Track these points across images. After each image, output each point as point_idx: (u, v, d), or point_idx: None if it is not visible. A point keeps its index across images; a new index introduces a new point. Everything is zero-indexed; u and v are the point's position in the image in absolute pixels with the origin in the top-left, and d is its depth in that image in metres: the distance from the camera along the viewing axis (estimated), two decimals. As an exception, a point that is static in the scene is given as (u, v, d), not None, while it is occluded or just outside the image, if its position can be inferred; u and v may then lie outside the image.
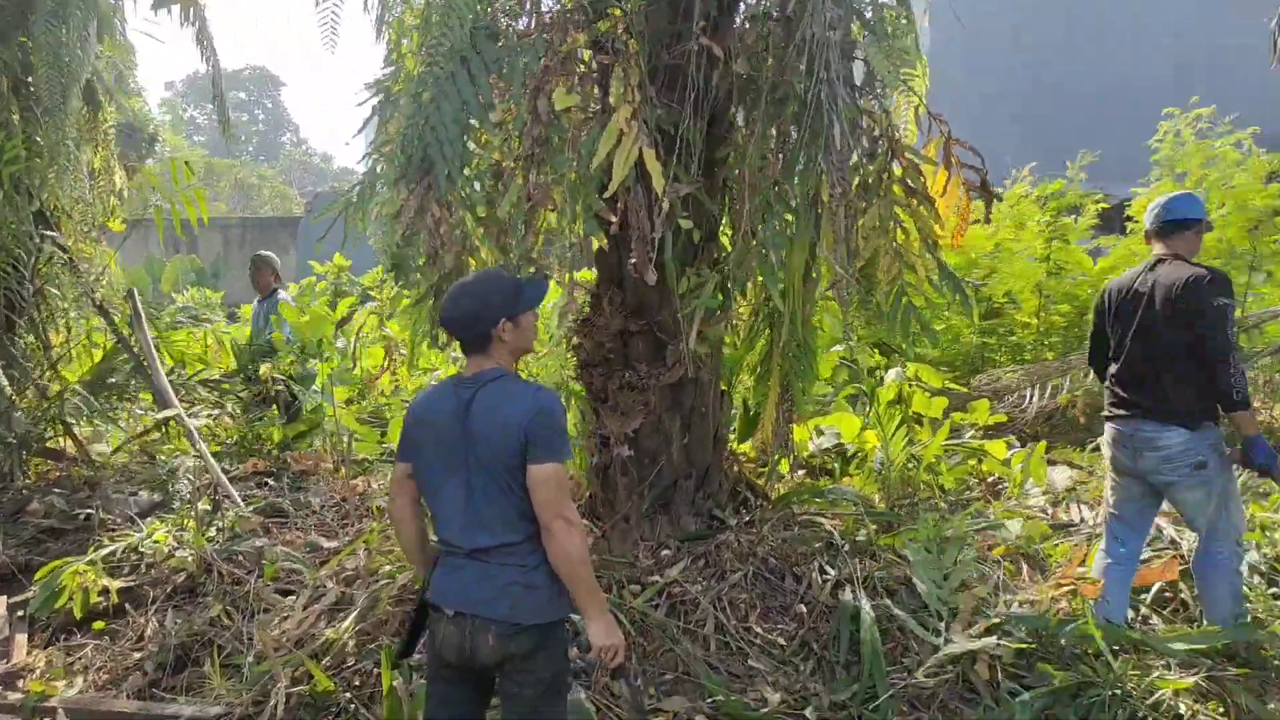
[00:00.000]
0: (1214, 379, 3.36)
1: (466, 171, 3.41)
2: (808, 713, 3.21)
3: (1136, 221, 7.68)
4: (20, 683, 3.50)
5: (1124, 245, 7.74)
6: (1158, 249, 3.66)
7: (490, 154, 3.48)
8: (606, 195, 3.09)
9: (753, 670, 3.48)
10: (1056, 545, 4.37)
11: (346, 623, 3.44)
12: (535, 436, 2.20)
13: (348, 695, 3.19)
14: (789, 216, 3.37)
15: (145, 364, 5.85)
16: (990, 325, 8.29)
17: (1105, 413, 3.76)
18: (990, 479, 5.41)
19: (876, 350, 6.22)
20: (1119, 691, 3.12)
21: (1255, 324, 7.38)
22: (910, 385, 5.80)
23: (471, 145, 3.15)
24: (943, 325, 8.57)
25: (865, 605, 3.57)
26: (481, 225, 3.44)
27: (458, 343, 2.39)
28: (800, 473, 5.53)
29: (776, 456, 4.52)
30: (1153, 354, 3.53)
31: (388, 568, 3.85)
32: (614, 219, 3.33)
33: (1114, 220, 8.62)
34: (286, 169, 52.54)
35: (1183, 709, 3.09)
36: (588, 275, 4.65)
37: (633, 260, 3.16)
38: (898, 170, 3.69)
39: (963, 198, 4.06)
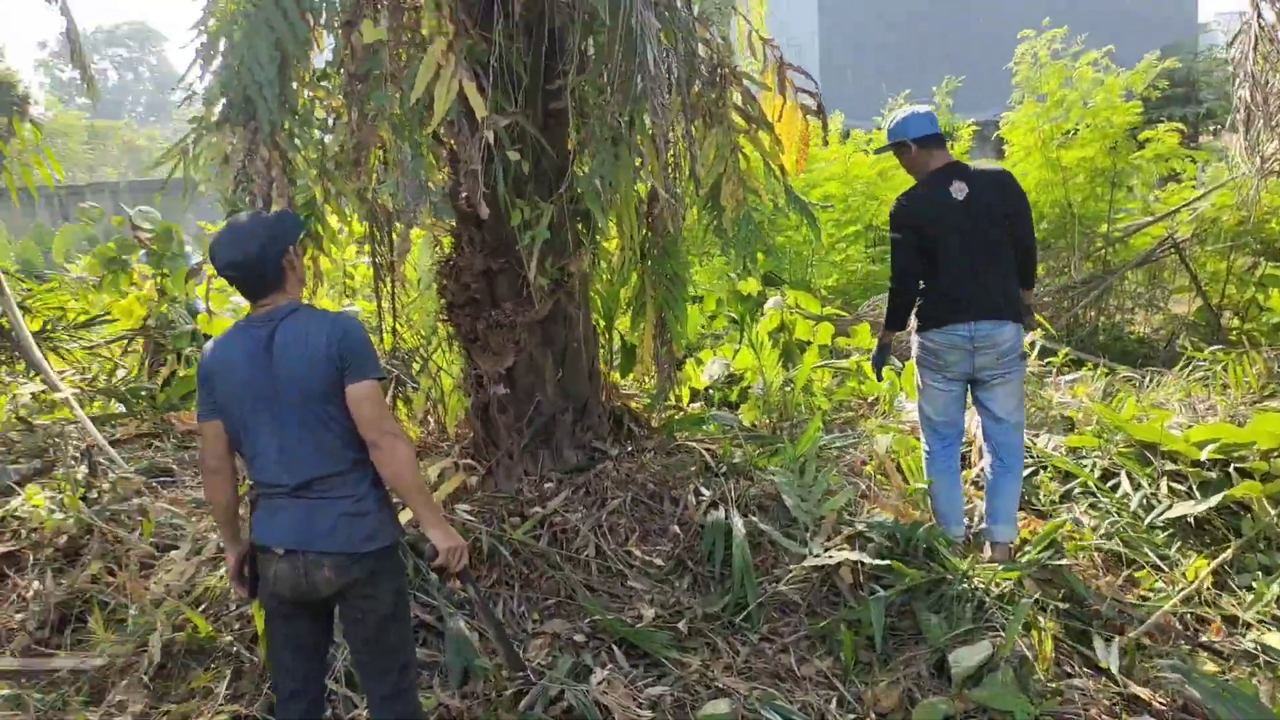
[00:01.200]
0: (1029, 266, 3.90)
1: (298, 112, 3.35)
2: (681, 625, 3.36)
3: (1009, 143, 7.95)
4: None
5: (1002, 165, 7.99)
6: (940, 158, 3.80)
7: (315, 92, 3.42)
8: (430, 130, 3.08)
9: (631, 590, 3.61)
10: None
11: (224, 570, 3.44)
12: (347, 358, 2.22)
13: (229, 639, 3.22)
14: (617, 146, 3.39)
15: (15, 334, 5.63)
16: (880, 252, 8.53)
17: (922, 323, 3.84)
18: (870, 398, 5.63)
19: (757, 281, 6.34)
20: (967, 586, 3.35)
21: (1122, 237, 7.77)
22: (791, 313, 5.97)
23: (295, 84, 3.09)
24: (841, 255, 8.80)
25: (737, 522, 3.72)
26: (315, 167, 3.39)
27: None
28: (697, 404, 5.67)
29: (660, 389, 4.61)
30: (985, 253, 3.70)
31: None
32: (438, 157, 3.32)
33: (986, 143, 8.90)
34: (180, 129, 50.06)
35: (1023, 594, 3.33)
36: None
37: (463, 195, 3.16)
38: (737, 98, 3.76)
39: (802, 122, 4.16)
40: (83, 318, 6.81)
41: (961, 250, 3.70)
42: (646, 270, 4.52)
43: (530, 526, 3.80)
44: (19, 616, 3.59)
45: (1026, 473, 4.37)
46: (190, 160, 3.47)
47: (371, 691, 2.43)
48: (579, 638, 3.31)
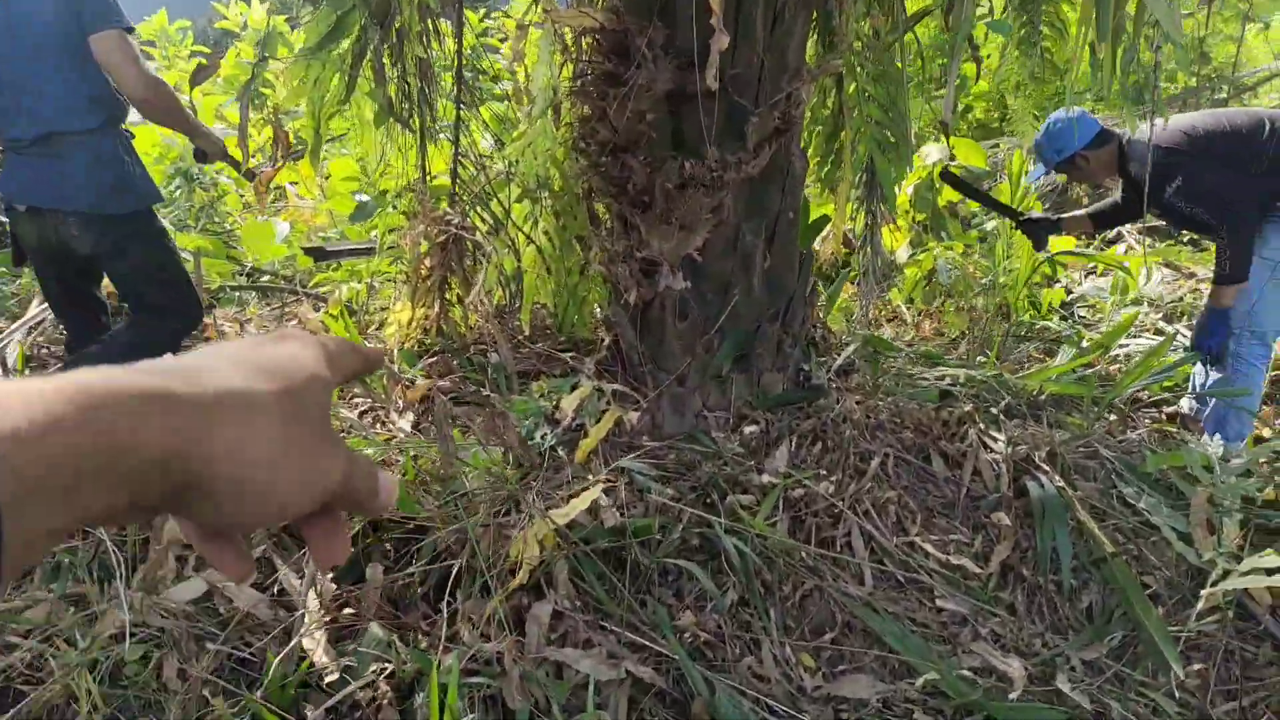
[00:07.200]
0: None
1: None
2: (1061, 682, 2.11)
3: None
4: None
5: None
6: None
7: None
8: None
9: (945, 614, 2.31)
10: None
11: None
12: (86, 4, 2.23)
13: None
14: None
15: None
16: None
17: None
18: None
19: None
20: None
21: None
22: (952, 167, 4.54)
23: None
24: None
25: (1085, 516, 2.44)
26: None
27: None
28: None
29: (867, 276, 3.20)
30: None
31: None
32: None
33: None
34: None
35: None
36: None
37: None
38: None
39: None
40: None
41: None
42: (849, 103, 3.04)
43: (767, 509, 2.41)
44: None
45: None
46: None
47: None
48: (918, 715, 2.01)
